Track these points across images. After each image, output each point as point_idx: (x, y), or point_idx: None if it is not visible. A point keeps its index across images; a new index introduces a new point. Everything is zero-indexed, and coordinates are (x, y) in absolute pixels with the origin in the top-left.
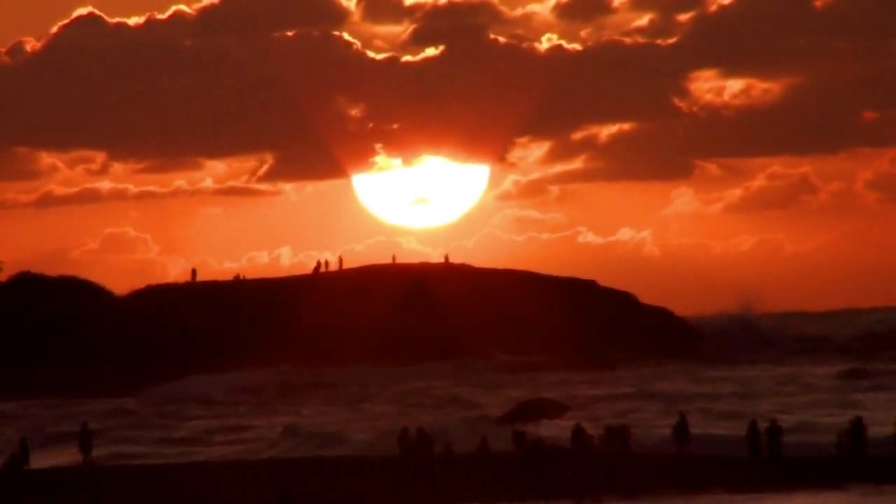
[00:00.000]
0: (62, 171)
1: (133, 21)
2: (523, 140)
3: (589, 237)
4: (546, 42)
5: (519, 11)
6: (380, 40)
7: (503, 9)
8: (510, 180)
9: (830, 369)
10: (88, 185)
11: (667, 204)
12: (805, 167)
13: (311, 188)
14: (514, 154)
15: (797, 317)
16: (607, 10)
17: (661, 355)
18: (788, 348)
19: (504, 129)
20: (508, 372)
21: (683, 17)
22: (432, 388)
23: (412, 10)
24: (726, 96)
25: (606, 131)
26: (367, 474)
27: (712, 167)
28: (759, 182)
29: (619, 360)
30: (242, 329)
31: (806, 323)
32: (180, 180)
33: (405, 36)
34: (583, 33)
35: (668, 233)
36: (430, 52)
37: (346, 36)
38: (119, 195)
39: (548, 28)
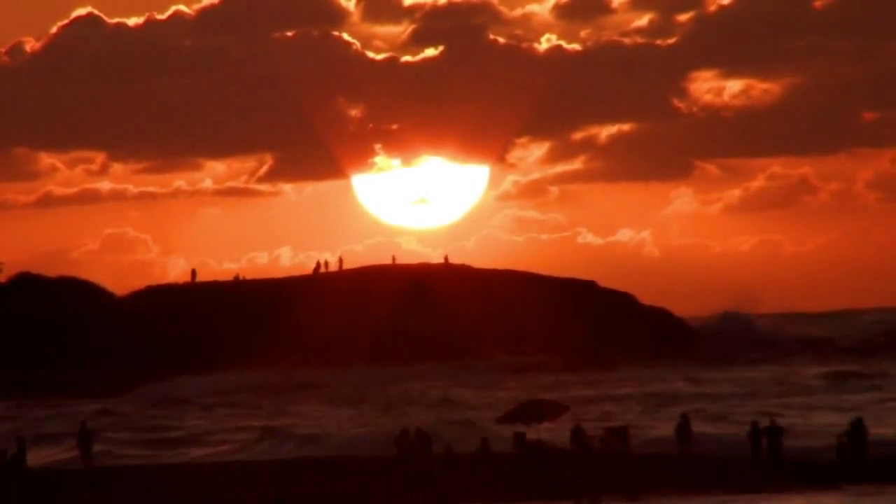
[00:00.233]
0: (62, 171)
1: (132, 21)
2: (523, 140)
3: (589, 238)
4: (545, 42)
5: (518, 12)
6: (379, 40)
7: (502, 9)
8: (510, 181)
9: (829, 370)
10: (88, 186)
11: (666, 204)
12: (805, 167)
13: (311, 188)
14: (514, 154)
15: (797, 317)
16: (607, 10)
17: (661, 356)
18: (788, 349)
19: (504, 129)
20: (508, 372)
21: (683, 18)
22: (432, 389)
23: (412, 10)
24: (726, 97)
25: (606, 132)
26: (366, 475)
27: (712, 167)
28: (758, 182)
29: (618, 360)
30: (242, 330)
31: (806, 323)
32: (180, 181)
33: (405, 36)
34: (582, 33)
35: (667, 233)
36: (430, 52)
37: (345, 36)
38: (119, 196)
39: (547, 28)
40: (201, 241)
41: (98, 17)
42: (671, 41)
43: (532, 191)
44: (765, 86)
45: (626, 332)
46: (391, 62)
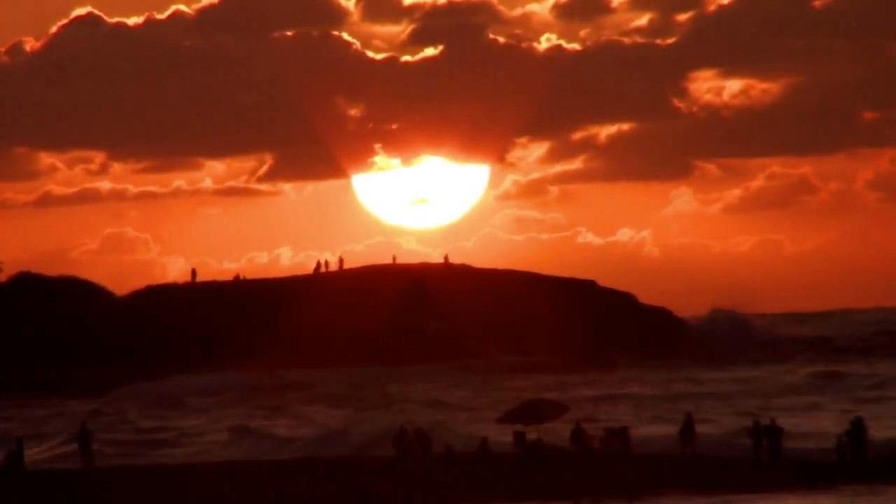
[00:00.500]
0: (62, 171)
1: (132, 21)
2: (523, 140)
3: (588, 237)
4: (545, 42)
5: (518, 11)
6: (379, 40)
7: (502, 9)
8: (510, 180)
9: (829, 370)
10: (88, 185)
11: (666, 204)
12: (805, 167)
13: (311, 188)
14: (514, 154)
15: (796, 317)
16: (606, 10)
17: (661, 356)
18: (787, 348)
19: (504, 129)
20: (508, 372)
21: (682, 17)
22: (432, 388)
23: (411, 9)
24: (725, 96)
25: (606, 131)
26: (366, 475)
27: (712, 167)
28: (758, 182)
29: (618, 360)
30: (242, 330)
31: (805, 323)
32: (180, 180)
33: (404, 36)
34: (582, 33)
35: (667, 233)
36: (430, 52)
37: (345, 36)
38: (119, 195)
39: (547, 28)
40: (201, 241)
41: (98, 16)
42: (671, 41)
43: (532, 191)
44: (764, 86)
45: (626, 332)
46: (391, 62)
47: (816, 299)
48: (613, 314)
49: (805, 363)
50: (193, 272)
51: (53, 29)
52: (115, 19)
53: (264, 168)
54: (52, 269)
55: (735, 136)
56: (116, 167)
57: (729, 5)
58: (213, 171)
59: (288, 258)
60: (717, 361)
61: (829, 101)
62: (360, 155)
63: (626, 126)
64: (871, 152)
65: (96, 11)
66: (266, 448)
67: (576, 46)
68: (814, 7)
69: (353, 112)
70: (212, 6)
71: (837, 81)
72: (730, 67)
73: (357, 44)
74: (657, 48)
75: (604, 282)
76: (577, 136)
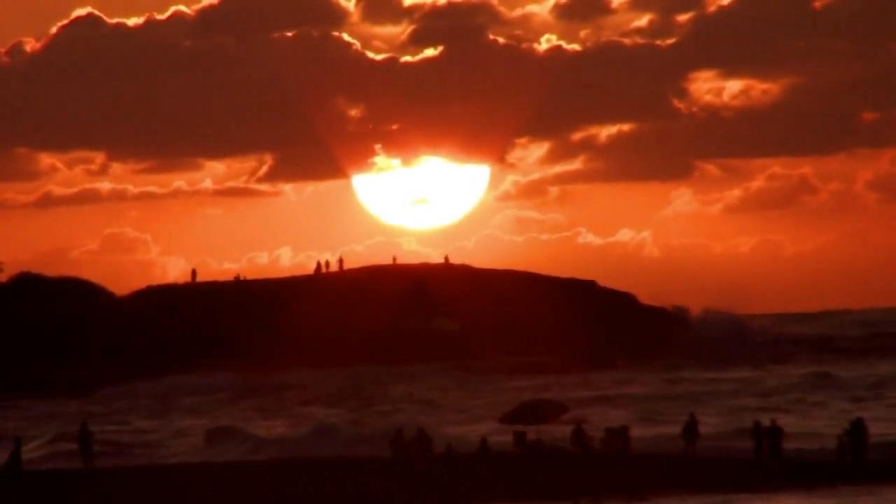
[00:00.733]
0: (62, 171)
1: (132, 21)
2: (523, 140)
3: (589, 238)
4: (545, 42)
5: (518, 12)
6: (379, 41)
7: (502, 9)
8: (510, 181)
9: (828, 370)
10: (88, 186)
11: (666, 204)
12: (805, 167)
13: (311, 188)
14: (514, 154)
15: (796, 317)
16: (606, 10)
17: (661, 356)
18: (786, 348)
19: (504, 129)
20: (508, 372)
21: (683, 18)
22: (432, 389)
23: (411, 10)
24: (725, 97)
25: (606, 132)
26: (365, 475)
27: (712, 168)
28: (758, 183)
29: (618, 360)
30: (242, 330)
31: (805, 323)
32: (180, 181)
33: (404, 36)
34: (582, 34)
35: (667, 233)
36: (430, 52)
37: (345, 36)
38: (119, 195)
39: (547, 28)
40: (201, 241)
41: (98, 17)
42: (671, 41)
43: (532, 191)
44: (764, 86)
45: (626, 332)
46: (391, 62)
47: (816, 299)
48: (613, 314)
49: (805, 363)
50: (193, 272)
51: (53, 29)
52: (115, 20)
53: (264, 168)
54: (52, 270)
55: (735, 136)
56: (116, 167)
57: (729, 6)
58: (213, 172)
59: (288, 258)
60: (723, 362)
61: (829, 102)
62: (360, 155)
63: (626, 126)
64: (871, 153)
65: (96, 12)
66: (244, 450)
67: (576, 47)
68: (814, 7)
69: (353, 112)
70: (212, 6)
71: (837, 82)
72: (730, 68)
73: (357, 44)
74: (657, 49)
75: (604, 282)
76: (577, 136)
